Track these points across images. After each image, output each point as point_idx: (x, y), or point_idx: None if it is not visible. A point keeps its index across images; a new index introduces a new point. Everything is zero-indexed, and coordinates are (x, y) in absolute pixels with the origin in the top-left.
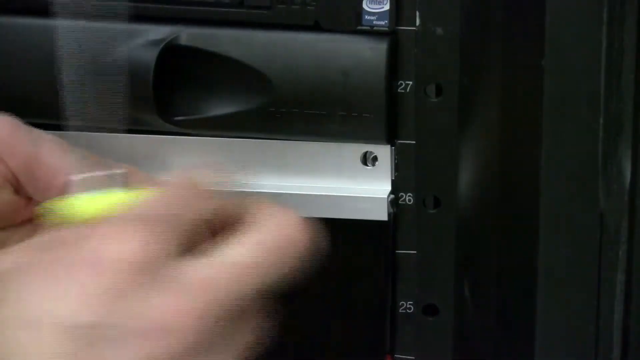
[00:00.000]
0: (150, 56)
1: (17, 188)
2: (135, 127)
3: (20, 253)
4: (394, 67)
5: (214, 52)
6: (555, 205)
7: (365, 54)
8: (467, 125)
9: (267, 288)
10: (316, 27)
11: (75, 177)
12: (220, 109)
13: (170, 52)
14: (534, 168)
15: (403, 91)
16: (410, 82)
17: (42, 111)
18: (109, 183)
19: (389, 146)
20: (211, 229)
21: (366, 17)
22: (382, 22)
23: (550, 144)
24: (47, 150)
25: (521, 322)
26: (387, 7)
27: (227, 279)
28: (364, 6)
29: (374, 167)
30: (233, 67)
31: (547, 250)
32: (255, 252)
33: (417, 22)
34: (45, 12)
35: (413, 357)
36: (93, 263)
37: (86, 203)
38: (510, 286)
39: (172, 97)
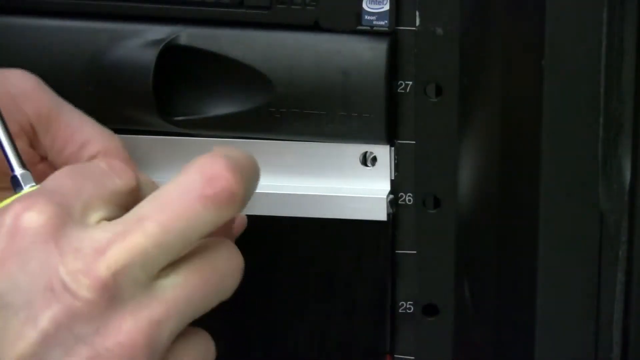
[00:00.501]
0: (150, 56)
1: (33, 141)
2: (135, 127)
3: None
4: (394, 67)
5: (214, 52)
6: (555, 205)
7: (365, 54)
8: (467, 125)
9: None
10: (316, 27)
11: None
12: (220, 109)
13: (170, 52)
14: (534, 168)
15: (403, 91)
16: (410, 82)
17: None
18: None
19: (388, 146)
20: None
21: (366, 17)
22: (382, 22)
23: (550, 144)
24: (68, 111)
25: (521, 322)
26: (387, 7)
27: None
28: (364, 6)
29: (373, 167)
30: (233, 67)
31: (547, 250)
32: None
33: (417, 22)
34: (45, 12)
35: (413, 357)
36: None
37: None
38: (510, 286)
39: (172, 97)
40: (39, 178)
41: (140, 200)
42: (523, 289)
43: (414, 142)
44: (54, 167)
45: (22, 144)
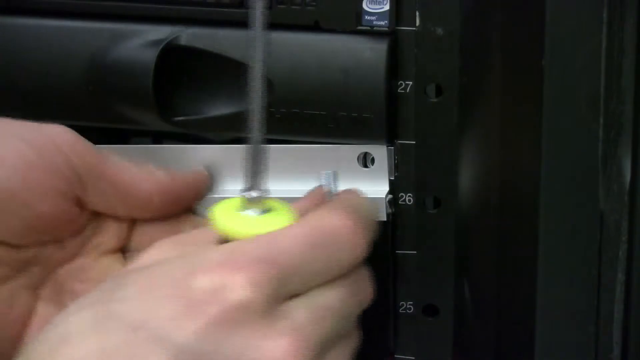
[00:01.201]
0: (150, 56)
1: (81, 196)
2: (135, 127)
3: (158, 254)
4: (394, 67)
5: (214, 52)
6: (555, 205)
7: (365, 54)
8: (467, 125)
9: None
10: (316, 27)
11: (246, 194)
12: (220, 109)
13: (170, 52)
14: (534, 168)
15: (403, 91)
16: (410, 82)
17: (43, 111)
18: (249, 205)
19: (385, 147)
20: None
21: (366, 17)
22: (382, 22)
23: (550, 144)
24: (113, 158)
25: (521, 322)
26: (387, 7)
27: (322, 322)
28: (364, 6)
29: (372, 167)
30: (233, 67)
31: (547, 250)
32: (343, 297)
33: (417, 22)
34: (45, 12)
35: (413, 357)
36: (208, 295)
37: (240, 222)
38: (510, 286)
39: (172, 97)
40: (75, 232)
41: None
42: (523, 289)
43: (414, 142)
44: (103, 216)
45: (67, 204)
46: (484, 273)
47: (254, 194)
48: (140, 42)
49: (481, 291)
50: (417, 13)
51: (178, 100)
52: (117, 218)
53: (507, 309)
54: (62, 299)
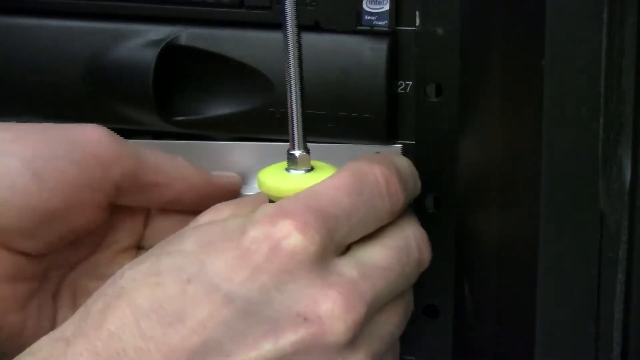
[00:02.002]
0: (150, 56)
1: (116, 201)
2: (135, 127)
3: (215, 215)
4: (394, 67)
5: (214, 52)
6: (556, 205)
7: (365, 54)
8: (467, 125)
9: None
10: (316, 27)
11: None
12: (220, 109)
13: (170, 52)
14: (534, 168)
15: (403, 91)
16: (410, 82)
17: (43, 111)
18: (293, 164)
19: (400, 147)
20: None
21: (366, 17)
22: (382, 22)
23: (550, 144)
24: (148, 155)
25: (521, 322)
26: (387, 7)
27: (372, 280)
28: (364, 6)
29: None
30: (233, 67)
31: (547, 250)
32: (390, 256)
33: (417, 22)
34: (45, 12)
35: (413, 357)
36: (258, 245)
37: (283, 180)
38: (510, 286)
39: (172, 97)
40: (113, 224)
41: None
42: (523, 289)
43: (414, 142)
44: (134, 210)
45: (100, 212)
46: (484, 273)
47: (297, 153)
48: (140, 42)
49: (481, 291)
50: (417, 13)
51: (178, 100)
52: (132, 215)
53: (507, 309)
54: (77, 302)
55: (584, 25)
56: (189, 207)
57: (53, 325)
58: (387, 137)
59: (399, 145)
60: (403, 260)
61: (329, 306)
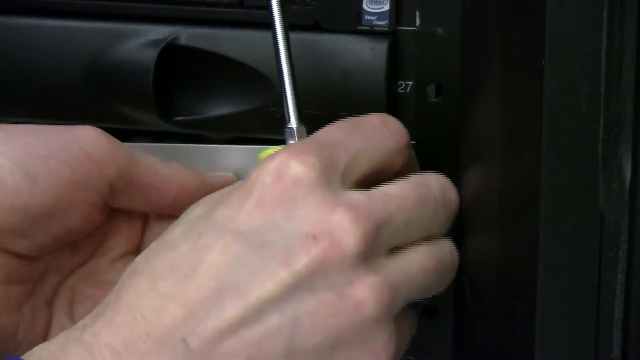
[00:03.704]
0: (150, 56)
1: (109, 201)
2: (135, 127)
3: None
4: (394, 67)
5: (214, 52)
6: (556, 205)
7: (365, 54)
8: (467, 125)
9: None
10: (316, 27)
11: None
12: (220, 109)
13: (170, 52)
14: (534, 168)
15: (403, 91)
16: (410, 82)
17: (43, 111)
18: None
19: None
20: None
21: (366, 17)
22: (382, 22)
23: (550, 143)
24: (141, 158)
25: (521, 322)
26: (387, 7)
27: (383, 203)
28: (364, 6)
29: None
30: (233, 67)
31: (547, 250)
32: (406, 187)
33: (417, 22)
34: (45, 12)
35: (413, 358)
36: (261, 177)
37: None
38: (510, 286)
39: (172, 97)
40: (110, 228)
41: None
42: (523, 289)
43: (414, 142)
44: (131, 213)
45: (96, 213)
46: (484, 273)
47: (293, 124)
48: (140, 42)
49: (481, 291)
50: (417, 13)
51: (178, 100)
52: (129, 219)
53: (507, 309)
54: (75, 309)
55: (584, 25)
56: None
57: (47, 331)
58: None
59: None
60: (421, 191)
61: (337, 219)
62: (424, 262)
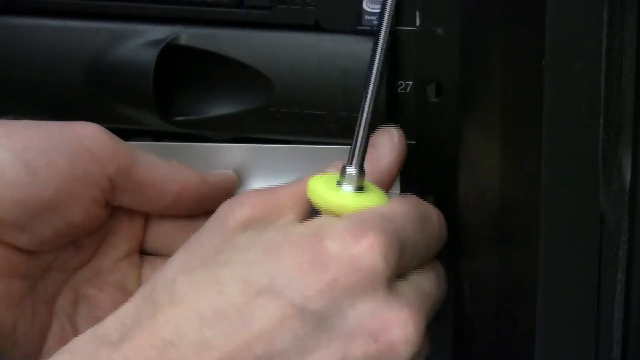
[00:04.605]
0: (150, 56)
1: (110, 197)
2: (135, 127)
3: (255, 211)
4: (394, 67)
5: (214, 52)
6: (556, 205)
7: (365, 54)
8: (467, 125)
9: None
10: (316, 27)
11: (336, 168)
12: (220, 109)
13: (170, 52)
14: (534, 168)
15: (403, 91)
16: (410, 82)
17: (43, 111)
18: (347, 180)
19: None
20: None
21: (366, 17)
22: None
23: (550, 144)
24: (142, 156)
25: (521, 323)
26: None
27: (425, 304)
28: (364, 6)
29: None
30: (233, 67)
31: (547, 250)
32: (433, 277)
33: (417, 22)
34: (45, 12)
35: None
36: (337, 258)
37: (345, 197)
38: (510, 286)
39: (172, 97)
40: (112, 226)
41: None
42: (523, 289)
43: (414, 142)
44: (133, 212)
45: (97, 209)
46: (484, 273)
47: (353, 170)
48: (140, 42)
49: (481, 291)
50: (417, 13)
51: (178, 100)
52: (130, 218)
53: (507, 309)
54: (77, 310)
55: (584, 25)
56: (187, 210)
57: (45, 332)
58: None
59: None
60: (442, 286)
61: (401, 328)
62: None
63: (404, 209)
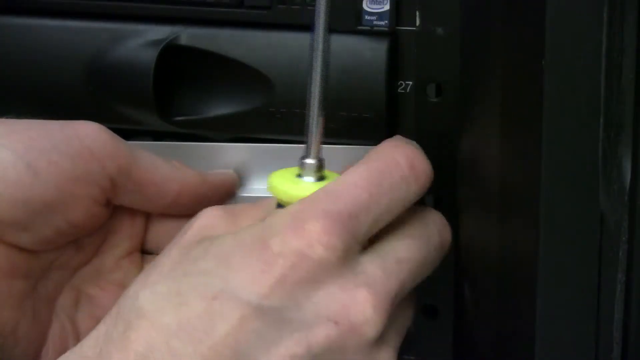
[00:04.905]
0: (150, 56)
1: (110, 196)
2: (135, 127)
3: (211, 223)
4: (394, 67)
5: (214, 52)
6: (556, 205)
7: (365, 54)
8: (467, 125)
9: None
10: None
11: (305, 161)
12: (220, 109)
13: (170, 52)
14: (534, 168)
15: (403, 91)
16: (410, 82)
17: (43, 111)
18: (306, 172)
19: None
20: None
21: (366, 17)
22: (382, 22)
23: (550, 144)
24: (143, 156)
25: (521, 322)
26: (387, 7)
27: (396, 275)
28: (364, 6)
29: None
30: (233, 67)
31: (547, 250)
32: (413, 248)
33: (417, 22)
34: (45, 12)
35: (413, 358)
36: (284, 254)
37: (305, 188)
38: (510, 286)
39: (172, 97)
40: (112, 225)
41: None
42: (523, 289)
43: (414, 142)
44: (134, 211)
45: (97, 208)
46: (484, 273)
47: (311, 161)
48: (140, 42)
49: (481, 291)
50: (417, 13)
51: (178, 100)
52: (131, 217)
53: (507, 309)
54: (78, 309)
55: (584, 25)
56: (187, 209)
57: (45, 332)
58: (387, 137)
59: None
60: (424, 249)
61: (359, 309)
62: (410, 315)
63: (353, 177)
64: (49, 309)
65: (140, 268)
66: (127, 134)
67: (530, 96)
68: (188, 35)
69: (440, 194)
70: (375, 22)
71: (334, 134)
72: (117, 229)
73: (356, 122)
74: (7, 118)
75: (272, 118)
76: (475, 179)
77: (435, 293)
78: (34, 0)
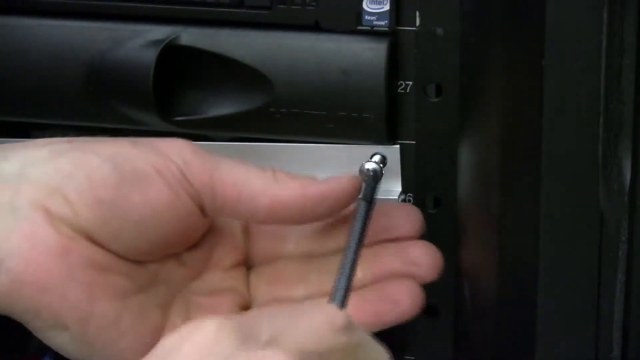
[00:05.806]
0: (150, 56)
1: (203, 212)
2: (135, 127)
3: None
4: (394, 67)
5: (214, 52)
6: (556, 205)
7: (365, 54)
8: (467, 125)
9: None
10: (316, 27)
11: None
12: (220, 109)
13: (170, 52)
14: (534, 168)
15: (403, 91)
16: (410, 82)
17: (43, 111)
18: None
19: (397, 147)
20: None
21: (366, 17)
22: (382, 22)
23: (550, 144)
24: (230, 168)
25: (521, 322)
26: (387, 7)
27: None
28: (364, 6)
29: (384, 167)
30: (233, 67)
31: (547, 250)
32: None
33: (417, 22)
34: (45, 12)
35: (413, 357)
36: None
37: None
38: (510, 286)
39: (172, 97)
40: (214, 243)
41: None
42: (523, 289)
43: (414, 142)
44: (218, 229)
45: (196, 218)
46: (484, 273)
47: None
48: (140, 42)
49: (481, 291)
50: (417, 13)
51: (178, 100)
52: (231, 231)
53: (507, 309)
54: (191, 316)
55: (584, 25)
56: (288, 221)
57: (157, 333)
58: (387, 137)
59: (398, 146)
60: None
61: None
62: None
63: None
64: (162, 313)
65: (246, 280)
66: (127, 134)
67: (530, 96)
68: (188, 35)
69: (440, 194)
70: (375, 22)
71: (334, 134)
72: (221, 244)
73: (356, 122)
74: (6, 119)
75: (272, 118)
76: (475, 179)
77: (435, 293)
78: (34, 0)
